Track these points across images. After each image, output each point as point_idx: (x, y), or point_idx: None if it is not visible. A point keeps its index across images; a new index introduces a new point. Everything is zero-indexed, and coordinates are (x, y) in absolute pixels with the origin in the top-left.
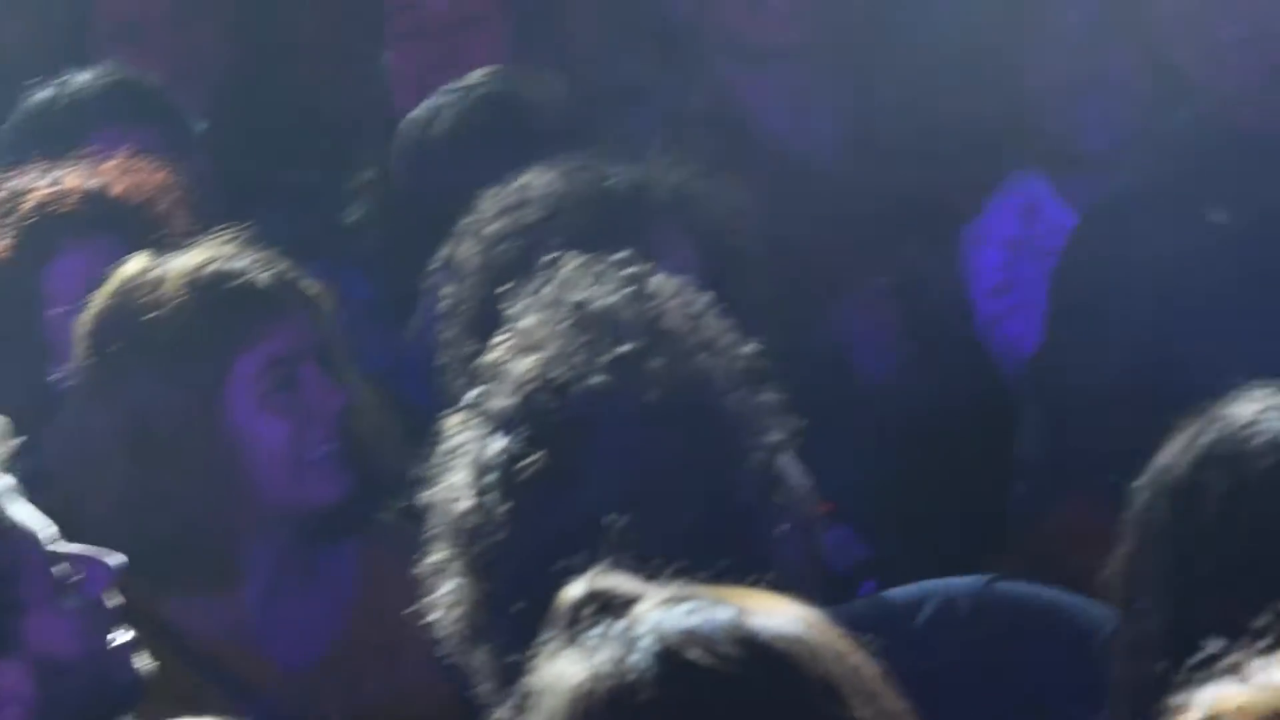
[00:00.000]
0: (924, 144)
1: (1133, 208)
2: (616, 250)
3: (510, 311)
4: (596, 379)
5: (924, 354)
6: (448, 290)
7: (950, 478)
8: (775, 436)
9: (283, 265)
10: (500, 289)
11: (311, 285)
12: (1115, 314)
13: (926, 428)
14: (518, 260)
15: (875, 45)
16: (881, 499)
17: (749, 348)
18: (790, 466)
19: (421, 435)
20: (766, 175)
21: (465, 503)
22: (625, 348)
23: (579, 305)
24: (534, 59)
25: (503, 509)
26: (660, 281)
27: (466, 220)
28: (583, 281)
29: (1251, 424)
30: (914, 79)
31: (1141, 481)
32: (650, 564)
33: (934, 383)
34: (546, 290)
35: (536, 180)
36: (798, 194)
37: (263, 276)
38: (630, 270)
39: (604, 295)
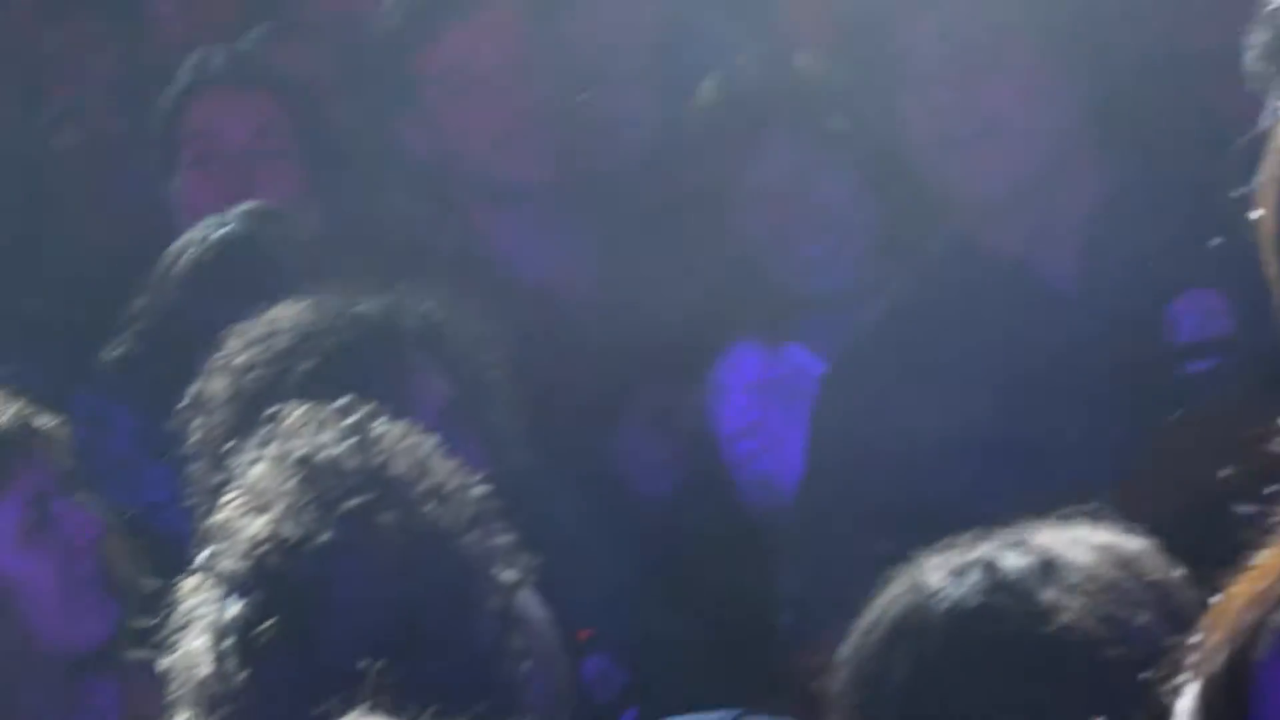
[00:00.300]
0: (671, 284)
1: (881, 345)
2: (367, 377)
3: (237, 467)
4: (326, 537)
5: (689, 482)
6: (196, 424)
7: (713, 605)
8: (512, 576)
9: (17, 404)
10: (252, 419)
11: (48, 420)
12: (872, 450)
13: (690, 555)
14: (269, 389)
15: (622, 182)
16: (644, 626)
17: (482, 488)
18: (530, 603)
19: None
20: (518, 308)
21: (205, 669)
22: (353, 502)
23: (304, 459)
24: (322, 193)
25: (242, 675)
26: (384, 427)
27: (213, 357)
28: (306, 431)
29: (935, 593)
30: (657, 219)
31: (840, 654)
32: (403, 712)
33: (698, 511)
34: (271, 443)
35: (284, 312)
36: (550, 327)
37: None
38: (353, 418)
39: (328, 446)
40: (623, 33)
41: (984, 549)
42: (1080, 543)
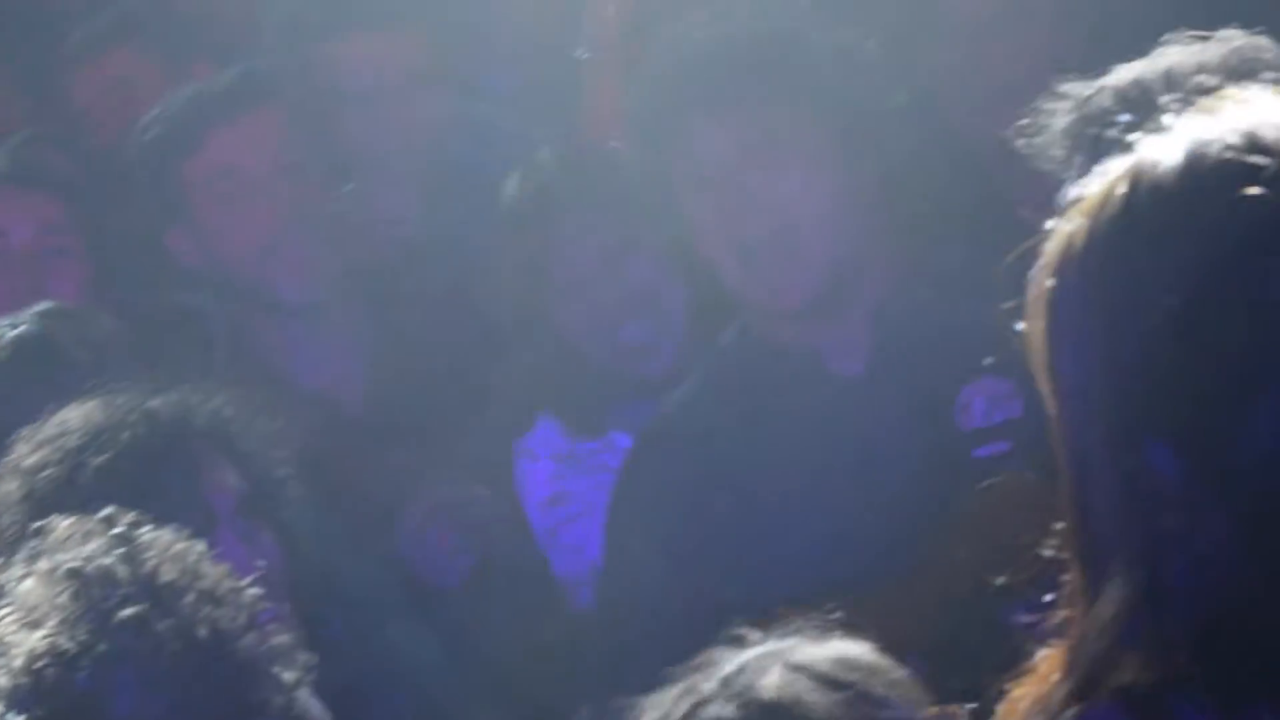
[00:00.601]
0: (463, 375)
1: (680, 431)
2: (158, 473)
3: (6, 581)
4: (103, 648)
5: (482, 571)
6: None
7: (516, 690)
8: (292, 675)
9: None
10: (45, 519)
11: None
12: (666, 537)
13: (491, 644)
14: (61, 487)
15: (393, 280)
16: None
17: (255, 589)
18: (311, 702)
19: None
20: (300, 407)
21: None
22: (127, 612)
23: (74, 572)
24: (114, 291)
25: None
26: (151, 535)
27: (3, 459)
28: (73, 543)
29: None
30: (442, 318)
31: None
32: None
33: (494, 599)
34: (39, 557)
35: (74, 412)
36: (333, 425)
37: None
38: (119, 527)
39: (97, 557)
40: (391, 133)
41: (708, 690)
42: (809, 672)
